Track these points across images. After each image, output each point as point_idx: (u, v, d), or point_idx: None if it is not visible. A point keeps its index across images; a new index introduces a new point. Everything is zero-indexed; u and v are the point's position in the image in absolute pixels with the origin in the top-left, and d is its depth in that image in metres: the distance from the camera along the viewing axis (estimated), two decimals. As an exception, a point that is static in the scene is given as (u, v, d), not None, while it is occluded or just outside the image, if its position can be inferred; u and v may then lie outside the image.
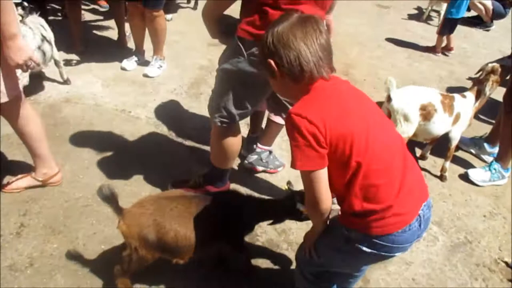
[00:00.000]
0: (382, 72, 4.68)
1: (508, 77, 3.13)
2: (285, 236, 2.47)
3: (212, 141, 2.41)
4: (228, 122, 2.21)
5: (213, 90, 2.25)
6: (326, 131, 1.35)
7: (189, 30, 5.00)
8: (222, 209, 1.91)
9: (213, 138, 2.38)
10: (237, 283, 2.16)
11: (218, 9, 2.05)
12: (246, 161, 2.89)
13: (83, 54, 4.15)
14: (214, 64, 4.28)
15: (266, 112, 2.86)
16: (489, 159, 3.35)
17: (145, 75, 3.95)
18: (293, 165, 1.40)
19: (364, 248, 1.46)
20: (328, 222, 1.58)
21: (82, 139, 3.03)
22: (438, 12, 6.36)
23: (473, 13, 6.28)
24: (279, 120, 2.67)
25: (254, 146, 2.89)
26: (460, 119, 2.90)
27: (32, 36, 3.13)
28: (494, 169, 3.14)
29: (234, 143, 2.36)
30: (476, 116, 3.32)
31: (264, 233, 2.45)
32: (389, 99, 2.72)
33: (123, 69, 4.02)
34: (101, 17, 5.20)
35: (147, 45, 4.11)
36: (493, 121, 3.58)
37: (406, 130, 2.73)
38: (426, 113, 2.73)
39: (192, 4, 5.71)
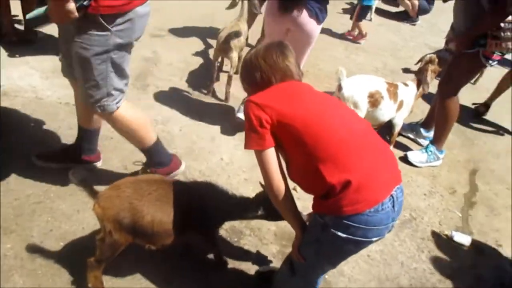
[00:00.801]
0: (322, 64, 4.86)
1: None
2: (246, 223, 2.51)
3: (120, 129, 2.33)
4: (121, 98, 2.19)
5: (88, 85, 2.08)
6: (272, 112, 1.50)
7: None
8: (199, 200, 1.92)
9: (119, 125, 2.30)
10: (206, 273, 2.18)
11: None
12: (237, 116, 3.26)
13: (16, 45, 3.87)
14: (159, 55, 4.28)
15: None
16: (425, 142, 3.62)
17: None
18: (244, 146, 1.58)
19: (339, 233, 1.48)
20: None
21: (26, 133, 2.86)
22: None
23: (401, 8, 6.71)
24: None
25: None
26: (403, 106, 3.12)
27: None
28: (430, 151, 3.40)
29: (135, 112, 2.33)
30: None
31: (227, 220, 2.49)
32: (340, 88, 2.85)
33: None
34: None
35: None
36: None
37: (356, 116, 2.88)
38: (374, 101, 2.91)
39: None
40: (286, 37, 2.89)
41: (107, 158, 2.78)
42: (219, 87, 3.80)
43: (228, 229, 2.43)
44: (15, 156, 2.64)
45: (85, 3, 1.77)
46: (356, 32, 5.73)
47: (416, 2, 6.29)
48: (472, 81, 4.86)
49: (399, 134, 3.60)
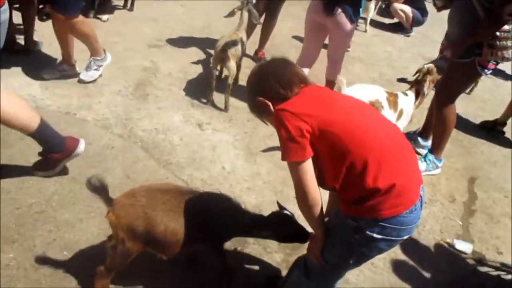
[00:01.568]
0: (320, 75, 4.89)
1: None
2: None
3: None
4: None
5: None
6: (312, 120, 1.44)
7: (127, 31, 4.86)
8: (212, 212, 1.91)
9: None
10: (213, 283, 2.17)
11: None
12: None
13: (16, 55, 3.85)
14: (157, 65, 4.29)
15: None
16: (423, 151, 3.65)
17: (81, 81, 3.65)
18: (281, 157, 1.49)
19: (375, 235, 1.48)
20: (328, 225, 1.64)
21: (26, 143, 2.83)
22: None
23: (395, 20, 6.81)
24: None
25: None
26: (402, 116, 3.16)
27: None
28: (429, 159, 3.43)
29: (10, 98, 2.27)
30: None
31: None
32: (340, 96, 2.88)
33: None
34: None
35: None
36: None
37: (356, 125, 2.91)
38: (374, 109, 2.93)
39: (128, 5, 5.55)
40: (324, 38, 3.59)
41: (109, 168, 2.77)
42: (218, 96, 3.82)
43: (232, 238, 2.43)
44: (16, 165, 2.63)
45: None
46: None
47: (410, 14, 6.38)
48: (467, 90, 4.93)
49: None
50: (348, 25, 3.29)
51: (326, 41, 3.61)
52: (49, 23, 3.31)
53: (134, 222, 1.74)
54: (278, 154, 3.32)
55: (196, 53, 4.72)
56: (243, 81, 4.15)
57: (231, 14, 3.98)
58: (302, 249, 2.18)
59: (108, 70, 3.94)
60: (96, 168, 2.72)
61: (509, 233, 2.96)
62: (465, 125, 4.30)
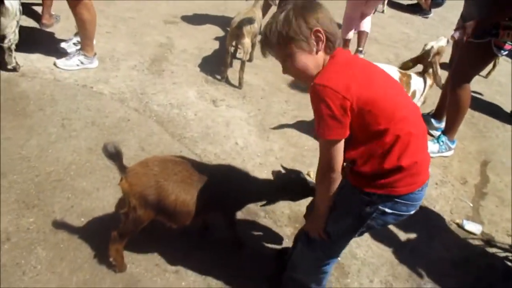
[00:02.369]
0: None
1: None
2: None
3: None
4: None
5: None
6: (353, 97, 1.39)
7: (144, 7, 4.87)
8: (223, 183, 1.94)
9: None
10: (224, 253, 2.22)
11: None
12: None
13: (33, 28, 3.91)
14: (173, 42, 4.30)
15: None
16: (436, 133, 3.64)
17: (55, 64, 3.48)
18: (317, 134, 1.45)
19: (387, 209, 1.51)
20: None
21: (45, 113, 2.91)
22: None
23: (414, 1, 6.69)
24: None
25: None
26: (415, 97, 3.14)
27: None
28: (442, 141, 3.42)
29: None
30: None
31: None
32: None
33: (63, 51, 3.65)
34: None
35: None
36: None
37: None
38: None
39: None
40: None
41: (125, 139, 2.83)
42: (233, 73, 3.83)
43: (243, 211, 2.48)
44: (35, 134, 2.70)
45: None
46: None
47: (429, -5, 6.27)
48: (485, 74, 4.87)
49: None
50: None
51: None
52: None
53: (146, 190, 1.79)
54: (291, 131, 3.36)
55: (211, 30, 4.73)
56: (257, 59, 4.16)
57: (248, -9, 3.96)
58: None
59: (125, 45, 3.98)
60: (112, 140, 2.77)
61: (520, 216, 2.96)
62: (481, 108, 4.27)
